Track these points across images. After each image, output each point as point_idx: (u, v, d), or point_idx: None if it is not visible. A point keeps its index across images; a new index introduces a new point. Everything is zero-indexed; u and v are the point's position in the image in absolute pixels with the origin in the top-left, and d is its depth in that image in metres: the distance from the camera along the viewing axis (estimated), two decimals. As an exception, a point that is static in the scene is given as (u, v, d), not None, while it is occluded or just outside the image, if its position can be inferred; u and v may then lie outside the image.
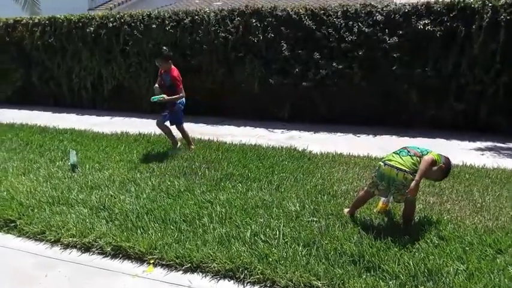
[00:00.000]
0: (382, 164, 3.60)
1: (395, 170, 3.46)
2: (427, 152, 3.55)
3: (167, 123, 6.02)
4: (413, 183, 3.35)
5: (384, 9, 7.66)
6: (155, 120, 6.05)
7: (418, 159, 3.47)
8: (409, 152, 3.56)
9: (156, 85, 5.86)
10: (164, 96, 5.63)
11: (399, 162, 3.49)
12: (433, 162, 3.46)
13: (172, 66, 5.79)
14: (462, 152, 6.25)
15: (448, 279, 2.84)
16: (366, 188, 3.81)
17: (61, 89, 10.73)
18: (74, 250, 3.44)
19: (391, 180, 3.50)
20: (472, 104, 7.36)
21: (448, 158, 3.69)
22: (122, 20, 9.59)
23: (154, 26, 9.24)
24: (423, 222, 3.68)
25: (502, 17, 6.84)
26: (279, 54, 8.29)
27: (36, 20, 10.63)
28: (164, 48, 6.01)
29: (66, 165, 5.37)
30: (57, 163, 5.49)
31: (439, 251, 3.19)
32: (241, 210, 3.91)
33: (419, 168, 3.41)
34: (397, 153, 3.60)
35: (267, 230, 3.51)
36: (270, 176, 4.90)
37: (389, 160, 3.55)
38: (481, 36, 7.02)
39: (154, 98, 5.61)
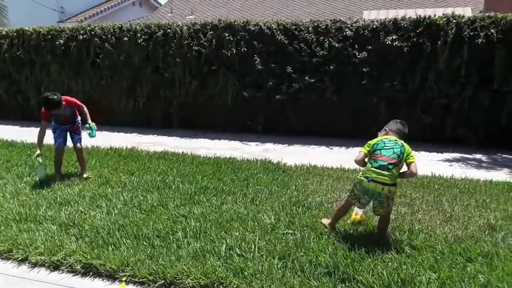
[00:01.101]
0: (365, 179, 3.49)
1: (381, 185, 3.44)
2: (403, 154, 3.49)
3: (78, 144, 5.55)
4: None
5: (353, 25, 7.87)
6: (77, 145, 5.51)
7: (399, 168, 3.51)
8: (388, 164, 3.45)
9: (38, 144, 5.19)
10: (93, 124, 5.34)
11: (386, 179, 3.43)
12: None
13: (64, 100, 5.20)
14: (431, 163, 6.43)
15: (421, 288, 2.89)
16: (347, 199, 3.77)
17: (29, 103, 10.44)
18: (43, 269, 3.31)
19: (375, 194, 3.50)
20: (439, 116, 7.60)
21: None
22: (93, 33, 9.48)
23: (126, 38, 9.16)
24: (395, 232, 3.74)
25: (466, 33, 7.14)
26: (252, 68, 8.36)
27: (4, 33, 10.37)
28: (50, 96, 5.07)
29: (34, 180, 5.20)
30: (25, 179, 5.31)
31: (412, 260, 3.24)
32: (216, 224, 3.88)
33: (406, 175, 3.58)
34: (377, 168, 3.45)
35: (242, 243, 3.49)
36: (244, 189, 4.89)
37: (375, 177, 3.45)
38: (446, 52, 7.29)
39: (94, 134, 5.34)
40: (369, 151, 3.60)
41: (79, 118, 5.53)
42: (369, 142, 3.65)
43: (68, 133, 5.51)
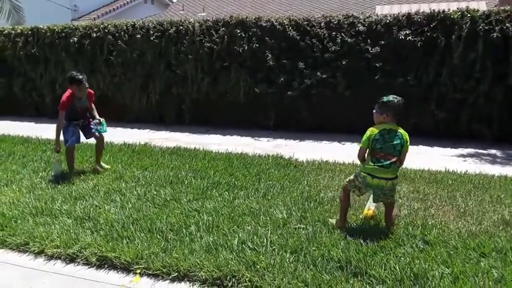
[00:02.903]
0: (369, 176, 3.52)
1: (385, 180, 3.50)
2: (402, 146, 3.51)
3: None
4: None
5: (366, 20, 7.81)
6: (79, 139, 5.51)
7: (397, 163, 3.53)
8: (391, 163, 3.48)
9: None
10: (103, 119, 5.44)
11: (389, 175, 3.50)
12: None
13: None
14: (445, 159, 6.37)
15: (433, 283, 2.87)
16: (345, 187, 3.77)
17: (44, 99, 10.61)
18: (59, 261, 3.37)
19: (379, 188, 3.53)
20: (453, 112, 7.52)
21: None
22: (106, 30, 9.57)
23: (138, 36, 9.24)
24: (408, 227, 3.72)
25: (481, 27, 7.04)
26: (263, 64, 8.36)
27: (19, 31, 10.54)
28: (74, 72, 5.25)
29: (50, 175, 5.29)
30: (41, 174, 5.40)
31: (425, 255, 3.22)
32: (228, 219, 3.90)
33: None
34: (380, 167, 3.48)
35: (255, 237, 3.51)
36: (256, 184, 4.91)
37: (378, 174, 3.49)
38: (460, 46, 7.20)
39: (105, 129, 5.44)
40: (369, 145, 3.54)
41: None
42: (368, 134, 3.54)
43: (80, 130, 5.53)
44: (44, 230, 3.71)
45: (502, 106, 7.24)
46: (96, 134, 5.49)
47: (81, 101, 5.32)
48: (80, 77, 5.14)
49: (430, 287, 2.85)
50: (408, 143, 3.56)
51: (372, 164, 3.52)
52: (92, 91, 5.55)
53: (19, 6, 12.18)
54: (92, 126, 5.47)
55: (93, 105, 5.55)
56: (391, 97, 3.58)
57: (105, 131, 5.51)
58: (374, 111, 3.67)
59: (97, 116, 5.48)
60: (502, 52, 7.04)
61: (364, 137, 3.56)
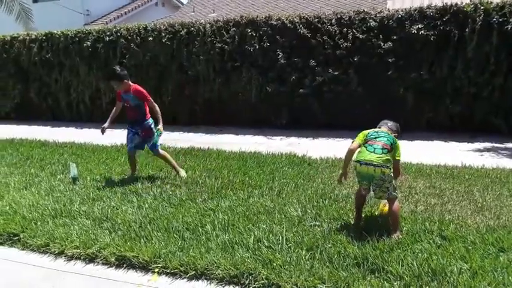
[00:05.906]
0: (357, 163, 3.53)
1: (372, 167, 3.42)
2: (394, 145, 3.57)
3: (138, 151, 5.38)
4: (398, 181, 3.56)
5: (378, 15, 7.75)
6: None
7: (391, 155, 3.51)
8: (382, 148, 3.48)
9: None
10: (160, 127, 5.03)
11: (377, 160, 3.43)
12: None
13: (132, 84, 5.07)
14: (461, 153, 6.30)
15: (452, 279, 2.85)
16: (358, 191, 3.79)
17: (59, 104, 10.78)
18: (78, 261, 3.44)
19: (369, 177, 3.49)
20: (468, 105, 7.42)
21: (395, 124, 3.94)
22: (119, 34, 9.68)
23: (150, 38, 9.32)
24: (425, 222, 3.69)
25: (495, 19, 6.94)
26: (275, 63, 8.36)
27: (33, 36, 10.72)
28: (116, 67, 5.17)
29: (67, 178, 5.38)
30: (58, 176, 5.50)
31: (442, 251, 3.20)
32: (244, 217, 3.93)
33: (395, 171, 3.58)
34: (371, 151, 3.50)
35: (270, 235, 3.52)
36: (270, 183, 4.92)
37: (364, 158, 3.48)
38: (474, 39, 7.11)
39: (157, 137, 5.14)
40: (364, 140, 3.62)
41: (149, 121, 5.15)
42: (363, 132, 3.70)
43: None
44: (63, 231, 3.78)
45: (519, 99, 7.13)
46: (153, 151, 5.29)
47: (125, 95, 5.09)
48: (111, 70, 5.17)
49: (449, 283, 2.82)
50: (399, 151, 3.64)
51: (365, 149, 3.56)
52: (141, 89, 5.07)
53: (28, 8, 12.43)
54: (147, 139, 5.17)
55: (156, 108, 5.09)
56: None
57: (158, 134, 5.12)
58: None
59: (159, 125, 5.06)
60: (517, 44, 6.93)
61: (360, 134, 3.75)
